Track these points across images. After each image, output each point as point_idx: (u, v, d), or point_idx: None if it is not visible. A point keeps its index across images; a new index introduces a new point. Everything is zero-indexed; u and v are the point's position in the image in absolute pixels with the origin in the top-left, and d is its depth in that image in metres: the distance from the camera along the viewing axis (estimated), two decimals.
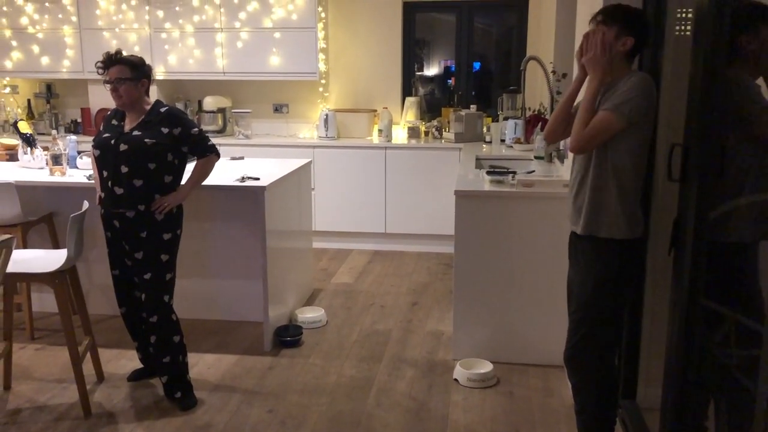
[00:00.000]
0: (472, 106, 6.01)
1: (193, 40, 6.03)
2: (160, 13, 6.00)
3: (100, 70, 3.08)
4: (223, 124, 6.25)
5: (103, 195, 3.17)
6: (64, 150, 4.04)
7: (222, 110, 6.24)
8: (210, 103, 6.19)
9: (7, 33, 6.19)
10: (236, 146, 5.95)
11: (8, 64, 6.26)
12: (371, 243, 6.01)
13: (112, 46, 6.04)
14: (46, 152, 4.15)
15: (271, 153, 5.85)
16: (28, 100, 6.52)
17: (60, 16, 6.10)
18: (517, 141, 5.13)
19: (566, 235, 3.51)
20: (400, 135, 6.18)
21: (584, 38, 2.53)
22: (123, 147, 3.05)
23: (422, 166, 5.78)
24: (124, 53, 3.13)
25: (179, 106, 6.37)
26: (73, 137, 4.33)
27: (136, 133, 3.09)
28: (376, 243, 6.00)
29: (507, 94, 5.79)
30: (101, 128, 3.23)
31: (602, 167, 2.47)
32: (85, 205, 3.35)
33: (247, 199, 4.00)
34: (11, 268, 3.06)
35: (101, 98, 6.18)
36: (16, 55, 6.24)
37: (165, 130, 3.10)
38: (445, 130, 6.00)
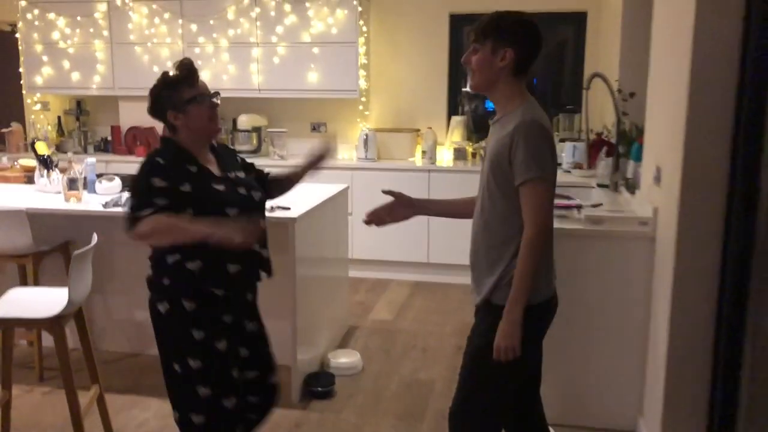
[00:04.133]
0: None
1: (228, 55, 5.71)
2: (194, 27, 5.71)
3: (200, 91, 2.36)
4: (257, 144, 5.90)
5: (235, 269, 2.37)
6: (80, 173, 3.71)
7: (257, 129, 5.90)
8: (244, 121, 5.85)
9: (39, 48, 5.97)
10: (271, 167, 5.55)
11: (39, 80, 6.04)
12: (413, 273, 5.56)
13: (144, 61, 5.77)
14: (65, 175, 3.83)
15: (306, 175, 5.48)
16: (59, 117, 6.28)
17: (91, 30, 5.86)
18: (577, 166, 4.65)
19: (637, 279, 3.03)
20: (445, 157, 5.74)
21: None
22: (257, 195, 2.46)
23: (469, 191, 5.30)
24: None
25: None
26: (92, 159, 4.00)
27: (239, 174, 2.47)
28: (417, 273, 5.55)
29: (563, 114, 5.31)
30: (188, 178, 2.30)
31: (512, 224, 2.09)
32: (94, 239, 3.00)
33: (276, 229, 3.58)
34: (5, 312, 2.72)
35: (131, 116, 5.90)
36: (46, 70, 6.01)
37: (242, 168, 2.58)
38: None
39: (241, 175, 2.47)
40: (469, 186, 5.23)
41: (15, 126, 6.09)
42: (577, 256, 3.07)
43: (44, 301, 2.87)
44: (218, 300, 2.34)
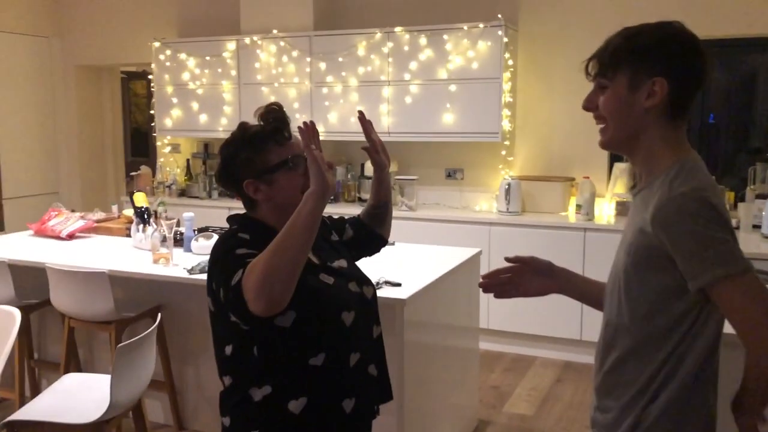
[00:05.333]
0: None
1: (357, 95, 5.19)
2: (323, 66, 5.25)
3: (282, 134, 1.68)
4: None
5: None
6: (170, 230, 3.25)
7: None
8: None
9: (169, 89, 5.80)
10: (397, 219, 4.94)
11: (168, 122, 5.86)
12: (562, 351, 4.64)
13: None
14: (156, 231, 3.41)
15: (437, 229, 4.80)
16: (187, 161, 6.07)
17: (220, 70, 5.59)
18: None
19: None
20: (605, 212, 4.80)
21: None
22: (369, 292, 1.81)
23: None
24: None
25: (340, 170, 5.55)
26: (189, 214, 3.55)
27: (341, 263, 1.79)
28: (568, 352, 4.62)
29: (762, 163, 4.22)
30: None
31: (662, 347, 1.37)
32: (157, 320, 2.47)
33: (382, 309, 2.89)
34: (40, 411, 2.24)
35: None
36: (176, 112, 5.82)
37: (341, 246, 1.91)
38: None
39: (344, 263, 1.78)
40: None
41: (144, 169, 5.94)
42: None
43: (94, 395, 2.37)
44: None
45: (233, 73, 5.55)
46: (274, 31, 5.38)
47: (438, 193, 5.40)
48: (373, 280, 2.75)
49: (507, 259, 1.70)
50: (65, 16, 6.52)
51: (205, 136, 5.85)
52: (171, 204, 5.59)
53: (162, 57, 5.79)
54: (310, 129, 1.53)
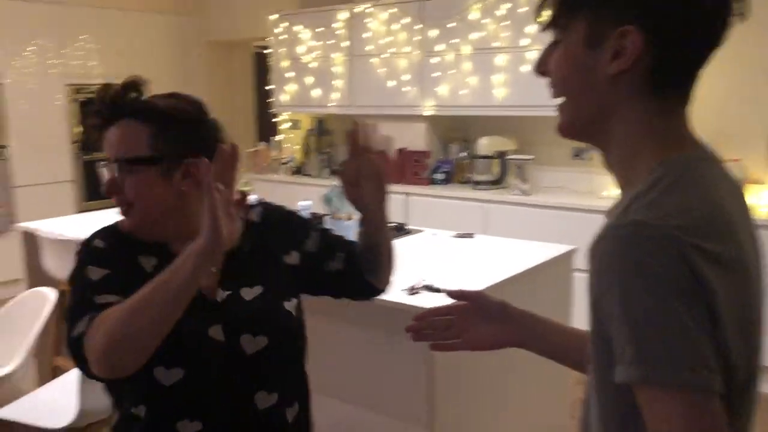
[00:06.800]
0: None
1: (470, 63, 4.67)
2: (434, 32, 4.78)
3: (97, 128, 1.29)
4: (500, 173, 4.74)
5: None
6: None
7: (502, 155, 4.74)
8: (485, 145, 4.74)
9: (285, 63, 5.65)
10: (507, 204, 4.41)
11: (285, 98, 5.73)
12: None
13: (380, 75, 5.04)
14: None
15: (550, 217, 4.20)
16: (305, 138, 5.92)
17: (331, 42, 5.33)
18: None
19: None
20: (762, 202, 3.91)
21: None
22: (249, 344, 1.29)
23: None
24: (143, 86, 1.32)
25: (454, 149, 5.09)
26: (307, 203, 3.21)
27: (250, 291, 1.33)
28: None
29: None
30: (137, 280, 1.19)
31: None
32: None
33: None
34: (15, 412, 2.10)
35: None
36: (291, 87, 5.66)
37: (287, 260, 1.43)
38: None
39: (249, 293, 1.32)
40: None
41: (261, 146, 5.87)
42: None
43: (58, 400, 2.20)
44: None
45: (344, 44, 5.25)
46: None
47: (563, 174, 4.75)
48: (412, 284, 2.36)
49: (449, 294, 1.21)
50: None
51: (318, 111, 5.64)
52: (283, 182, 5.50)
53: (278, 30, 5.65)
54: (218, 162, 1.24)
